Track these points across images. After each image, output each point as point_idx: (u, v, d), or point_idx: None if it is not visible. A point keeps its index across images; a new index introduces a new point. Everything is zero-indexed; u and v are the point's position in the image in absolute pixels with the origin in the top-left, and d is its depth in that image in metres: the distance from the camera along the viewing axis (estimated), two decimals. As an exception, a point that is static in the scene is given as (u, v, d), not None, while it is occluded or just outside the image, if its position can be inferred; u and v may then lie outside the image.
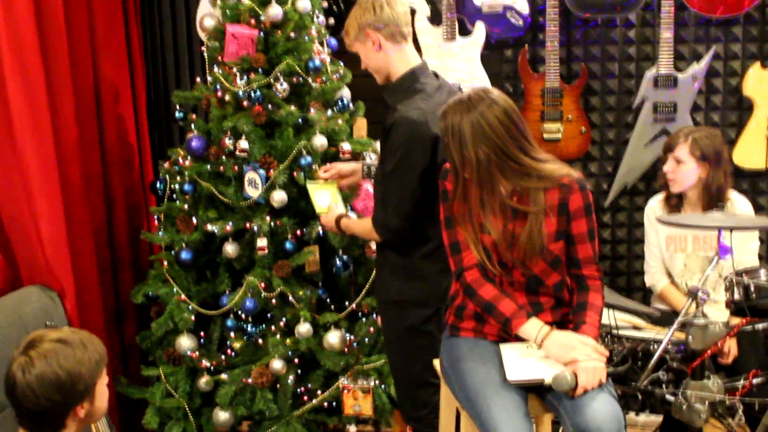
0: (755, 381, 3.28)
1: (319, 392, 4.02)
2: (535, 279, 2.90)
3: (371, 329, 4.06)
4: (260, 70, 3.96)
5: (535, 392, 2.84)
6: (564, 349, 2.76)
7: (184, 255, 4.01)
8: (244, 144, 3.88)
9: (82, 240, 4.05)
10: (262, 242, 3.89)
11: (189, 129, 4.13)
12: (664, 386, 3.23)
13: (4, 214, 3.62)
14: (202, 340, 4.08)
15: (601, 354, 2.76)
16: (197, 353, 3.99)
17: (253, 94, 3.93)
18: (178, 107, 4.24)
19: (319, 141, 3.94)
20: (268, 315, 4.02)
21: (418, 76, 3.32)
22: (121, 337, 4.51)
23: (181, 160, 4.08)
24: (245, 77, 3.95)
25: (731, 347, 3.83)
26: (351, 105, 4.28)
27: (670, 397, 3.19)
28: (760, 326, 3.34)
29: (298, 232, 3.96)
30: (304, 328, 3.87)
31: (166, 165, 4.16)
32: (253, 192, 3.91)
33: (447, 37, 4.66)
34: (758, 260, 4.10)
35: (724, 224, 3.19)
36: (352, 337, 4.01)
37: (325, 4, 4.42)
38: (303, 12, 4.04)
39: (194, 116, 4.21)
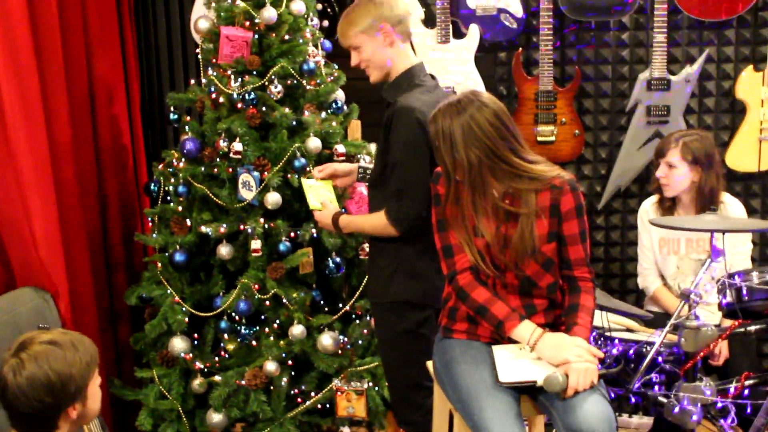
0: (747, 383, 3.29)
1: (312, 394, 4.02)
2: (528, 281, 2.91)
3: (365, 331, 4.06)
4: (254, 72, 3.97)
5: (528, 394, 2.85)
6: (556, 351, 2.78)
7: (178, 257, 4.00)
8: (238, 146, 3.88)
9: (76, 241, 4.05)
10: (256, 244, 3.89)
11: (183, 131, 4.13)
12: (656, 388, 3.23)
13: (-2, 214, 3.62)
14: (195, 342, 4.08)
15: (594, 355, 2.77)
16: (191, 355, 3.99)
17: (247, 96, 3.93)
18: (172, 109, 4.23)
19: (314, 143, 3.95)
20: (262, 317, 4.02)
21: (417, 73, 3.37)
22: (115, 339, 4.51)
23: (175, 162, 4.08)
24: (239, 79, 3.96)
25: (722, 349, 3.84)
26: (345, 107, 4.29)
27: (662, 399, 3.19)
28: (752, 328, 3.35)
29: (292, 234, 3.96)
30: (297, 330, 3.88)
31: (160, 167, 4.16)
32: (247, 194, 3.91)
33: (441, 39, 4.67)
34: (750, 263, 4.11)
35: (716, 227, 3.20)
36: (346, 339, 4.01)
37: (320, 7, 4.42)
38: (297, 14, 4.04)
39: (188, 118, 4.22)
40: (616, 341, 3.46)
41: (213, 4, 4.10)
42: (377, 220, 3.30)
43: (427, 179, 3.08)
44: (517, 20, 4.67)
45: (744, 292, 3.24)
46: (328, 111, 4.18)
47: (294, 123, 3.99)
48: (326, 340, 3.90)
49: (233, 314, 3.95)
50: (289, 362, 3.97)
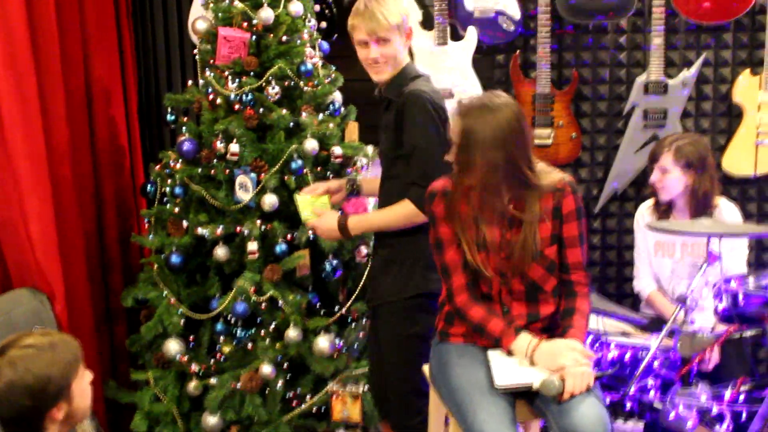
0: (743, 389, 3.29)
1: (308, 397, 4.01)
2: (534, 285, 2.93)
3: (361, 334, 4.06)
4: (252, 73, 3.97)
5: (524, 398, 2.85)
6: (552, 357, 2.79)
7: (174, 258, 4.00)
8: (235, 147, 3.88)
9: (73, 243, 4.05)
10: (252, 246, 3.88)
11: (180, 132, 4.12)
12: (652, 393, 3.24)
13: (-5, 215, 3.62)
14: (191, 344, 4.07)
15: (589, 357, 2.78)
16: (186, 357, 3.99)
17: (244, 98, 3.93)
18: (169, 110, 4.22)
19: (311, 145, 3.94)
20: (258, 319, 4.01)
21: (413, 68, 3.43)
22: (111, 341, 4.51)
23: (172, 163, 4.08)
24: (237, 80, 3.96)
25: (713, 354, 3.84)
26: (342, 109, 4.29)
27: (658, 405, 3.20)
28: (747, 334, 3.35)
29: (289, 236, 3.95)
30: (293, 333, 3.87)
31: (157, 168, 4.16)
32: (244, 195, 3.91)
33: (439, 41, 4.67)
34: (746, 267, 4.11)
35: (713, 231, 3.20)
36: (342, 343, 4.01)
37: (318, 8, 4.41)
38: (295, 15, 4.04)
39: (186, 119, 4.21)
40: (612, 345, 3.46)
41: (211, 5, 4.10)
42: (402, 211, 3.28)
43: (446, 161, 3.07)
44: (514, 23, 4.66)
45: (740, 297, 3.24)
46: (326, 113, 4.18)
47: (291, 124, 3.99)
48: (322, 343, 3.89)
49: (229, 316, 3.94)
50: (285, 365, 3.97)
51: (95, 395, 2.65)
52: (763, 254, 4.77)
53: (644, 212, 4.22)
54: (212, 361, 4.02)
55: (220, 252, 3.93)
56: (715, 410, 3.20)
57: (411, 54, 4.59)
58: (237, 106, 3.96)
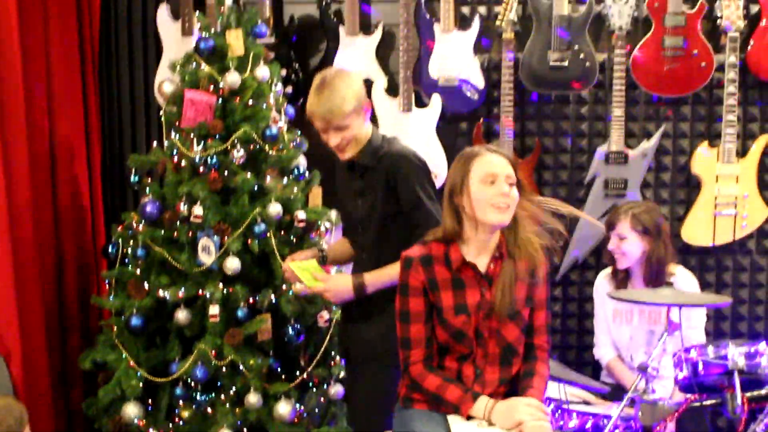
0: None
1: (268, 463, 3.97)
2: (509, 348, 2.95)
3: (322, 399, 4.03)
4: (217, 136, 3.98)
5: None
6: (509, 414, 2.81)
7: (135, 321, 3.96)
8: (198, 210, 3.87)
9: (31, 303, 4.01)
10: (214, 309, 3.86)
11: (144, 193, 4.11)
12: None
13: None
14: (149, 408, 4.01)
15: (545, 413, 2.82)
16: (144, 421, 3.93)
17: (209, 160, 3.94)
18: (133, 171, 4.21)
19: (274, 209, 3.95)
20: (218, 384, 3.97)
21: (379, 132, 3.46)
22: (67, 404, 4.43)
23: (134, 225, 4.06)
24: (202, 143, 3.96)
25: (670, 425, 3.85)
26: (307, 173, 4.30)
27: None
28: (707, 403, 3.37)
29: (251, 300, 3.94)
30: (254, 398, 3.84)
31: (119, 229, 4.13)
32: (207, 258, 3.89)
33: (403, 108, 4.71)
34: (704, 337, 4.15)
35: (673, 301, 3.23)
36: (303, 408, 3.97)
37: (284, 73, 4.45)
38: (261, 80, 4.08)
39: (149, 180, 4.19)
40: (574, 414, 3.46)
41: (178, 68, 4.12)
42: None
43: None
44: (478, 91, 4.72)
45: (700, 366, 3.27)
46: (290, 177, 4.19)
47: (255, 188, 4.00)
48: (283, 408, 3.86)
49: (189, 380, 3.90)
50: (245, 430, 3.92)
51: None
52: (722, 323, 4.82)
53: (602, 281, 4.26)
54: (171, 425, 3.97)
55: (181, 315, 3.91)
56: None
57: (375, 119, 4.64)
58: (201, 169, 3.97)
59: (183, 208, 3.91)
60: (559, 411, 3.50)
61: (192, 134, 3.99)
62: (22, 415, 2.55)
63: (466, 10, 4.80)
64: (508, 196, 2.85)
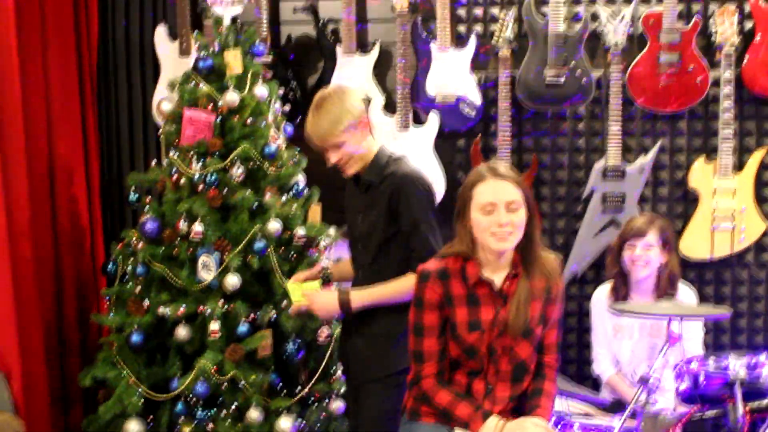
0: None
1: (269, 480, 3.96)
2: (521, 366, 2.95)
3: (323, 415, 4.03)
4: (216, 154, 3.99)
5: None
6: None
7: (135, 338, 3.95)
8: (198, 227, 3.88)
9: (31, 321, 4.02)
10: (214, 326, 3.86)
11: (143, 211, 4.12)
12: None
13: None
14: (150, 425, 4.00)
15: None
16: (145, 438, 3.93)
17: (208, 178, 3.95)
18: (133, 189, 4.22)
19: (274, 226, 3.96)
20: (219, 400, 3.96)
21: (386, 150, 3.46)
22: (66, 422, 4.42)
23: (134, 242, 4.06)
24: (201, 161, 3.98)
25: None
26: (306, 190, 4.32)
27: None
28: (708, 414, 3.37)
29: (251, 316, 3.94)
30: (254, 414, 3.83)
31: (119, 247, 4.14)
32: (207, 275, 3.90)
33: (401, 126, 4.74)
34: (703, 349, 4.16)
35: (674, 313, 3.24)
36: (304, 423, 3.97)
37: (282, 91, 4.47)
38: (260, 98, 4.10)
39: (148, 199, 4.21)
40: (576, 426, 3.46)
41: (176, 86, 4.14)
42: (408, 284, 3.19)
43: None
44: (475, 108, 4.75)
45: (701, 377, 3.27)
46: (289, 194, 4.21)
47: (255, 205, 4.01)
48: (284, 423, 3.86)
49: (189, 397, 3.89)
50: (246, 446, 3.92)
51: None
52: (721, 335, 4.83)
53: (601, 297, 4.23)
54: (172, 442, 3.96)
55: (182, 332, 3.90)
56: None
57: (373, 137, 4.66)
58: (201, 187, 3.97)
59: (183, 225, 3.92)
60: (562, 424, 3.50)
61: (191, 152, 4.00)
62: (18, 429, 2.55)
63: (462, 28, 4.85)
64: (507, 225, 2.84)
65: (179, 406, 3.93)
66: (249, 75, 4.11)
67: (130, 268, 4.06)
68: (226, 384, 3.86)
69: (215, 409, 3.96)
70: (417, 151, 4.72)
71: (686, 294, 4.12)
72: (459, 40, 4.79)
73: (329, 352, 4.07)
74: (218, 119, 4.03)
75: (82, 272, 4.62)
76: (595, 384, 4.57)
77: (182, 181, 4.02)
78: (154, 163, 4.30)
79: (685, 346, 3.90)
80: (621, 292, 4.14)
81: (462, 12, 4.84)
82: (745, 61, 4.62)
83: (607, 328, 4.20)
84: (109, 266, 4.17)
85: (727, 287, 4.84)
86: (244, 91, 4.07)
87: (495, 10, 4.79)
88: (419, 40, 4.78)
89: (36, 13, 4.28)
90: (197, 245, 3.92)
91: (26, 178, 4.03)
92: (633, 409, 3.25)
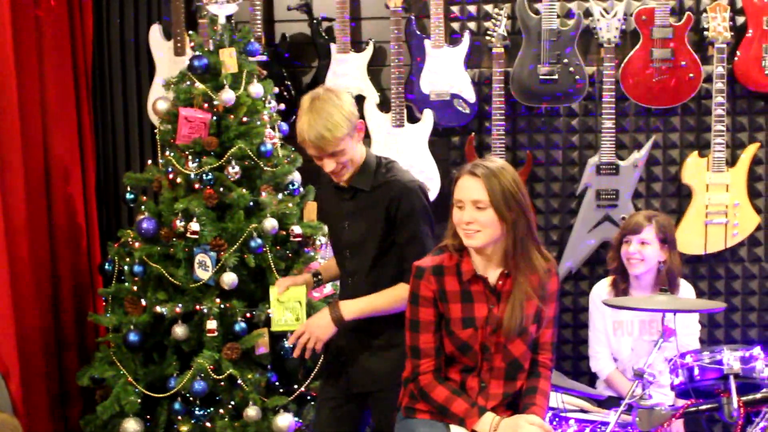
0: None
1: (267, 477, 3.97)
2: (515, 363, 2.97)
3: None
4: (212, 153, 4.00)
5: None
6: (513, 431, 2.81)
7: (132, 337, 3.96)
8: (195, 226, 3.90)
9: (28, 321, 4.03)
10: (211, 324, 3.88)
11: (139, 210, 4.14)
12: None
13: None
14: (148, 424, 4.02)
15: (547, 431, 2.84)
16: (143, 437, 3.94)
17: (204, 177, 3.96)
18: (129, 189, 4.24)
19: (270, 224, 3.98)
20: (216, 398, 3.98)
21: (373, 154, 3.40)
22: (64, 421, 4.43)
23: (130, 242, 4.08)
24: (197, 160, 3.99)
25: (679, 430, 3.86)
26: (301, 189, 4.33)
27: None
28: (703, 407, 3.39)
29: (248, 314, 3.95)
30: (252, 412, 3.85)
31: (116, 246, 4.15)
32: (203, 274, 3.91)
33: (396, 123, 4.75)
34: (699, 344, 4.17)
35: (668, 307, 3.26)
36: (301, 422, 3.98)
37: (277, 90, 4.48)
38: (255, 97, 4.11)
39: (144, 198, 4.22)
40: (572, 421, 3.48)
41: (172, 86, 4.15)
42: (401, 294, 3.19)
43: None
44: (469, 105, 4.77)
45: (696, 371, 3.29)
46: (285, 192, 4.23)
47: (251, 204, 4.02)
48: (281, 421, 3.88)
49: (187, 395, 3.91)
50: (244, 444, 3.93)
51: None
52: (715, 330, 4.85)
53: (600, 292, 4.23)
54: (170, 440, 3.98)
55: (179, 330, 3.92)
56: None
57: (368, 135, 4.68)
58: (197, 186, 3.99)
59: (179, 224, 3.93)
60: (557, 419, 3.51)
61: (187, 151, 4.01)
62: (17, 430, 2.57)
63: (456, 26, 4.86)
64: (472, 223, 2.86)
65: (177, 405, 3.95)
66: (244, 74, 4.12)
67: (126, 267, 4.08)
68: (223, 382, 3.88)
69: (213, 407, 3.98)
70: (412, 148, 4.73)
71: (686, 291, 4.13)
72: (453, 38, 4.81)
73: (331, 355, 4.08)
74: (214, 118, 4.04)
75: (79, 272, 4.63)
76: (590, 381, 4.59)
77: (178, 180, 4.03)
78: (150, 162, 4.31)
79: (683, 342, 3.92)
80: (620, 287, 4.14)
81: (456, 9, 4.85)
82: (737, 56, 4.64)
83: (607, 324, 4.20)
84: (106, 265, 4.18)
85: (721, 282, 4.85)
86: (240, 89, 4.08)
87: (488, 7, 4.80)
88: (413, 37, 4.80)
89: (31, 13, 4.29)
90: (194, 244, 3.93)
91: (22, 177, 4.04)
92: (628, 403, 3.27)
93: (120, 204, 4.99)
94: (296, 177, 4.31)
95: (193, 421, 3.97)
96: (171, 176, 4.05)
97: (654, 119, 4.82)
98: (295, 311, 3.50)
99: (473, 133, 4.84)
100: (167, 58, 4.79)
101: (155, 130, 4.30)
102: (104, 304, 4.18)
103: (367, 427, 3.58)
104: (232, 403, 3.92)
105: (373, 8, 4.91)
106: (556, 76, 4.68)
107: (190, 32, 4.37)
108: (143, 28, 4.93)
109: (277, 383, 4.08)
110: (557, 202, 4.92)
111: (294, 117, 4.54)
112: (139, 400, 3.94)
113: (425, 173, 4.70)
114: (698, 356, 3.33)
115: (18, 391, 3.75)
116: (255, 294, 4.04)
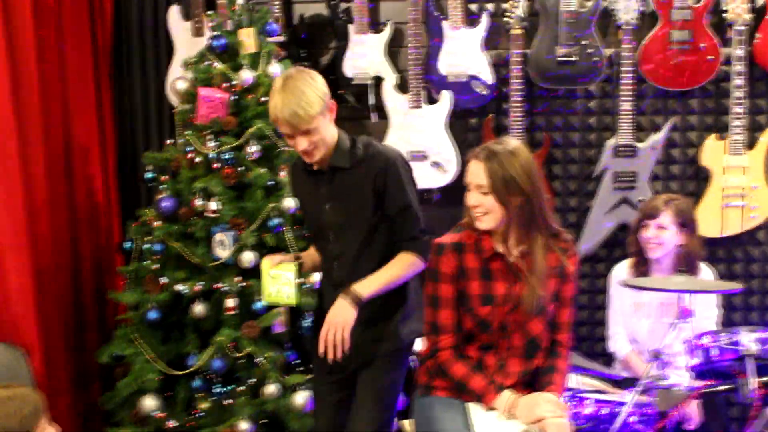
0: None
1: (285, 453, 4.00)
2: (533, 342, 3.00)
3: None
4: (231, 132, 4.02)
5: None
6: (530, 409, 2.86)
7: (152, 315, 4.01)
8: (214, 205, 3.93)
9: (50, 299, 4.06)
10: (230, 302, 3.91)
11: (158, 190, 4.16)
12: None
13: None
14: (167, 401, 4.05)
15: (564, 410, 2.89)
16: (163, 414, 3.97)
17: (223, 156, 3.98)
18: (148, 168, 4.26)
19: (288, 203, 4.00)
20: (235, 376, 4.01)
21: (345, 133, 3.33)
22: (85, 398, 4.47)
23: (150, 221, 4.10)
24: (216, 139, 4.01)
25: (696, 413, 3.87)
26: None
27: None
28: (720, 388, 3.40)
29: (267, 292, 3.97)
30: (271, 389, 3.88)
31: (135, 225, 4.18)
32: (223, 253, 3.94)
33: (413, 104, 4.76)
34: (717, 327, 4.17)
35: (686, 288, 3.27)
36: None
37: (295, 70, 4.49)
38: (273, 77, 4.11)
39: (164, 177, 4.24)
40: (588, 401, 3.49)
41: (191, 66, 4.17)
42: (409, 263, 3.20)
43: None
44: (487, 87, 4.77)
45: (713, 352, 3.30)
46: (303, 172, 4.23)
47: (269, 183, 4.04)
48: (299, 399, 3.91)
49: (206, 373, 3.94)
50: (263, 421, 3.96)
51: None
52: (732, 313, 4.85)
53: (621, 273, 4.21)
54: (189, 417, 4.00)
55: (198, 308, 3.95)
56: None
57: (385, 116, 4.70)
58: (216, 165, 4.01)
59: (198, 203, 3.97)
60: (574, 399, 3.53)
61: (206, 131, 4.04)
62: (37, 404, 2.60)
63: (474, 7, 4.84)
64: (478, 207, 2.92)
65: (196, 383, 3.99)
66: (263, 54, 4.14)
67: (146, 246, 4.11)
68: (242, 360, 3.91)
69: (232, 385, 4.01)
70: (430, 129, 4.74)
71: (707, 274, 4.12)
72: (471, 19, 4.80)
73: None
74: (232, 98, 4.06)
75: (99, 250, 4.67)
76: (607, 360, 4.60)
77: (197, 159, 4.05)
78: (169, 142, 4.33)
79: (700, 324, 3.92)
80: (640, 269, 4.14)
81: (474, -10, 4.86)
82: (756, 38, 4.62)
83: (626, 305, 4.20)
84: (126, 244, 4.22)
85: (738, 265, 4.85)
86: (258, 69, 4.10)
87: (507, -11, 4.80)
88: (431, 18, 4.79)
89: (51, -5, 4.32)
90: (213, 223, 3.97)
91: (43, 158, 4.07)
92: (645, 383, 3.28)
93: (140, 183, 5.01)
94: (315, 157, 4.32)
95: (212, 399, 4.01)
96: (190, 156, 4.07)
97: (672, 101, 4.81)
98: (286, 285, 3.40)
99: (491, 115, 4.84)
100: (186, 39, 4.80)
101: (174, 110, 4.32)
102: (124, 282, 4.21)
103: None
104: (251, 381, 3.95)
105: (391, -11, 4.91)
106: (574, 58, 4.67)
107: (209, 12, 4.37)
108: (162, 9, 4.94)
109: (295, 361, 4.10)
110: (575, 184, 4.92)
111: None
112: (158, 378, 3.98)
113: (443, 154, 4.71)
114: (716, 337, 3.35)
115: (40, 367, 3.79)
116: (274, 273, 4.06)
